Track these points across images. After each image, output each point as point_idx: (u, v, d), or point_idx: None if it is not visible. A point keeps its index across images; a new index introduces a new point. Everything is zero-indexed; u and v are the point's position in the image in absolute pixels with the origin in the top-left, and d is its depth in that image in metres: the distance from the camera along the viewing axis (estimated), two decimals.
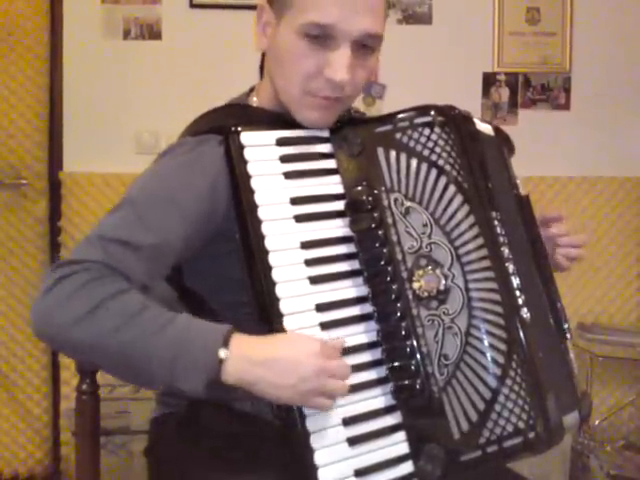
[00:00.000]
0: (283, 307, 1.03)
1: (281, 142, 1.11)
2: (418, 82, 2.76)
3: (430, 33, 2.83)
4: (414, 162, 1.09)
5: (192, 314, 1.02)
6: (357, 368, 1.05)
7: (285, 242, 1.06)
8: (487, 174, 1.12)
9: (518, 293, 1.09)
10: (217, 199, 1.09)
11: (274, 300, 1.03)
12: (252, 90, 1.24)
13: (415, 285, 1.06)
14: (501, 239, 1.10)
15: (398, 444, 1.06)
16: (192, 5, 2.72)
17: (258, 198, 1.06)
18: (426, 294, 1.06)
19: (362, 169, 1.12)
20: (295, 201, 1.08)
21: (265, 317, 1.03)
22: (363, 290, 1.09)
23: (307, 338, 1.02)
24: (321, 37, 1.08)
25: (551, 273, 1.25)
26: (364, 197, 1.10)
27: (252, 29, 1.18)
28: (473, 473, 1.05)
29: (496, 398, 1.03)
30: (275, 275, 1.04)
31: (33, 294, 2.70)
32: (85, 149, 2.71)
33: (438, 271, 1.06)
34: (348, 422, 1.03)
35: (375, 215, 1.09)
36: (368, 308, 1.08)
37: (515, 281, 1.09)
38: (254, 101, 1.22)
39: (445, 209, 1.07)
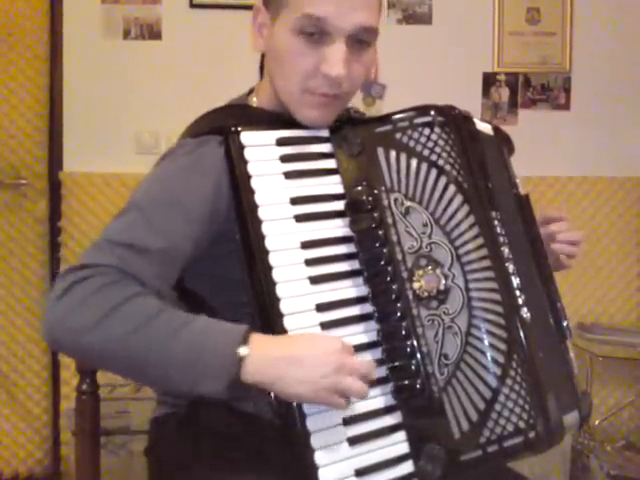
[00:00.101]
0: (283, 307, 1.03)
1: (281, 142, 1.11)
2: (418, 82, 2.76)
3: (430, 33, 2.83)
4: (414, 162, 1.09)
5: (192, 314, 1.02)
6: None
7: (285, 242, 1.06)
8: (487, 174, 1.13)
9: (518, 293, 1.09)
10: (220, 199, 1.09)
11: (274, 300, 1.03)
12: (252, 90, 1.25)
13: (415, 285, 1.06)
14: (501, 239, 1.10)
15: (398, 444, 1.06)
16: (192, 5, 2.72)
17: (258, 198, 1.06)
18: (426, 294, 1.06)
19: (362, 169, 1.12)
20: (295, 201, 1.08)
21: (265, 317, 1.03)
22: (363, 290, 1.09)
23: (327, 336, 1.02)
24: (316, 34, 1.08)
25: (551, 273, 1.25)
26: (364, 197, 1.10)
27: (250, 30, 1.18)
28: (473, 473, 1.05)
29: (496, 398, 1.03)
30: (275, 275, 1.04)
31: (33, 294, 2.71)
32: (85, 149, 2.71)
33: (438, 271, 1.06)
34: (348, 422, 1.03)
35: (375, 215, 1.09)
36: (368, 308, 1.08)
37: (515, 281, 1.09)
38: (254, 101, 1.22)
39: (445, 209, 1.07)
